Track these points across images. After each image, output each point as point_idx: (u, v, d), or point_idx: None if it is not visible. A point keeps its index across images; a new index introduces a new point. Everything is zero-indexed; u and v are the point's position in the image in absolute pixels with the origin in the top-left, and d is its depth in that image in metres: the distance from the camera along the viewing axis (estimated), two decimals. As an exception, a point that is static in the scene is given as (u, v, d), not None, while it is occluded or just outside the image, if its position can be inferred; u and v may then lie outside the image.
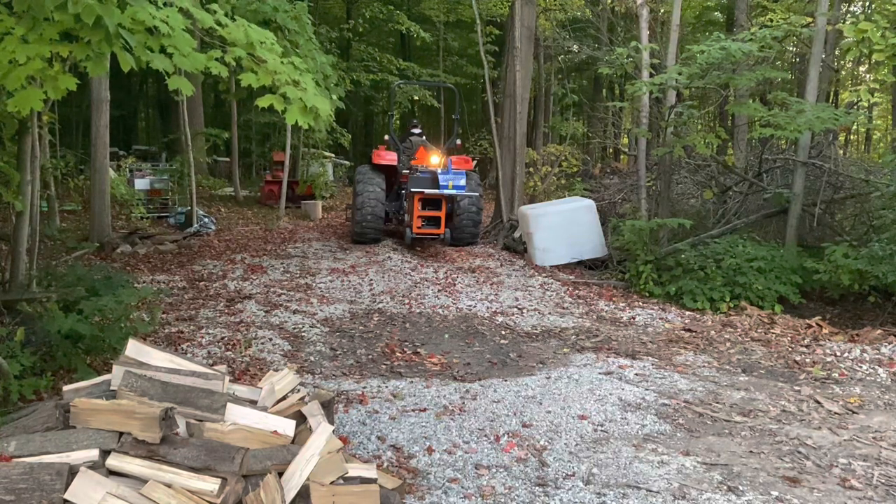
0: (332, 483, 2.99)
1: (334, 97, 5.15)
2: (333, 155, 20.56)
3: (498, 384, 5.43)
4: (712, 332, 7.26)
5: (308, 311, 7.54)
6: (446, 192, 10.43)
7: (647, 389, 5.39)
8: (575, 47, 20.33)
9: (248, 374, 5.42)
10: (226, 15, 3.41)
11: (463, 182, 10.46)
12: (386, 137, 12.39)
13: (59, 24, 2.91)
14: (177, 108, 14.98)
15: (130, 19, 2.97)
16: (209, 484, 2.67)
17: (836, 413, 4.98)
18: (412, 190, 10.55)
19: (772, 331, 7.30)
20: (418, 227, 10.74)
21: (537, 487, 3.74)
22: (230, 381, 3.55)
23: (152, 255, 10.27)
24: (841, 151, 17.96)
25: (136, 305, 6.17)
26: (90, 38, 2.89)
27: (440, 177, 10.42)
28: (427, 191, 10.48)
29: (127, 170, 14.43)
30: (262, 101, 3.41)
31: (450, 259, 10.64)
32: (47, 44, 2.98)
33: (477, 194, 11.23)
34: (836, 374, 5.93)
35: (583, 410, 4.86)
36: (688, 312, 8.17)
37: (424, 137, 12.95)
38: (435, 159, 11.51)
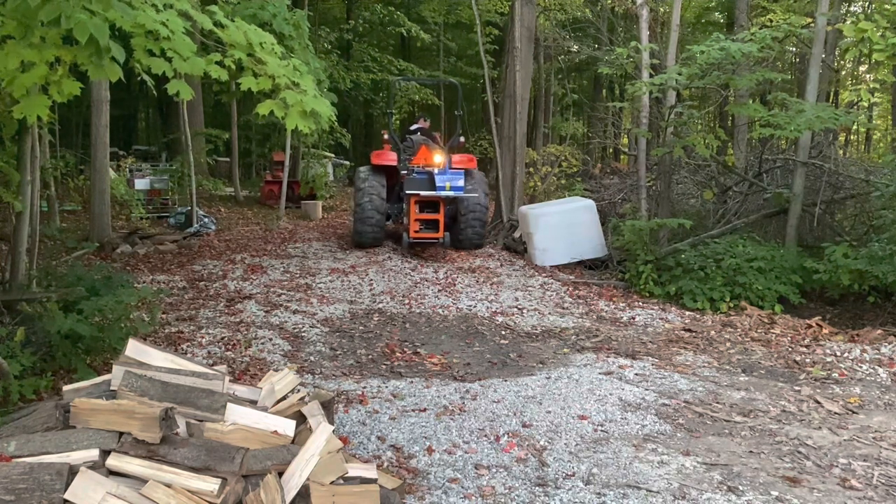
0: (332, 483, 2.99)
1: (327, 102, 5.17)
2: (333, 155, 20.57)
3: (498, 384, 5.43)
4: (712, 332, 7.26)
5: (308, 311, 7.54)
6: (443, 193, 9.97)
7: (647, 389, 5.39)
8: (575, 47, 20.35)
9: (248, 374, 5.42)
10: (225, 16, 3.41)
11: (461, 182, 10.03)
12: (385, 136, 11.92)
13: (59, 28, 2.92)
14: (177, 109, 14.99)
15: (130, 22, 2.97)
16: (209, 484, 2.67)
17: (836, 413, 4.98)
18: (407, 192, 10.17)
19: (772, 331, 7.29)
20: (415, 231, 10.26)
21: (537, 487, 3.74)
22: (230, 381, 3.55)
23: (152, 255, 10.27)
24: (841, 151, 17.96)
25: (136, 305, 6.17)
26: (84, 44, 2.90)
27: (437, 177, 10.00)
28: (423, 192, 10.04)
29: (127, 170, 14.42)
30: (263, 108, 3.42)
31: (450, 259, 10.63)
32: (50, 48, 2.99)
33: (477, 195, 10.66)
34: (836, 374, 5.93)
35: (583, 410, 4.87)
36: (688, 312, 8.17)
37: (433, 132, 12.34)
38: (438, 158, 10.90)
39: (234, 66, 3.38)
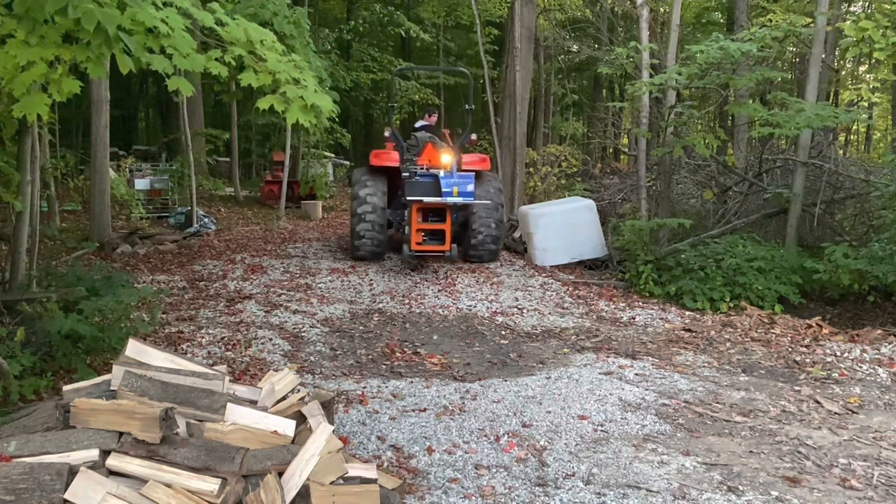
0: (332, 483, 2.99)
1: (328, 97, 5.18)
2: (333, 155, 20.57)
3: (498, 384, 5.43)
4: (712, 332, 7.26)
5: (308, 311, 7.54)
6: (450, 200, 8.79)
7: (647, 389, 5.39)
8: (575, 47, 20.36)
9: (248, 374, 5.42)
10: (226, 14, 3.41)
11: (471, 188, 8.83)
12: (386, 134, 10.61)
13: (60, 26, 2.92)
14: (177, 109, 14.98)
15: (130, 20, 2.97)
16: (209, 484, 2.67)
17: (836, 413, 4.98)
18: (408, 199, 9.00)
19: (772, 331, 7.29)
20: (417, 243, 9.10)
21: (537, 487, 3.74)
22: (230, 381, 3.55)
23: (152, 255, 10.27)
24: (841, 151, 17.97)
25: (136, 305, 6.17)
26: (90, 40, 2.89)
27: (443, 181, 8.84)
28: (426, 199, 8.88)
29: (127, 170, 14.42)
30: (263, 103, 3.41)
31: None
32: (50, 47, 2.98)
33: (490, 201, 9.55)
34: (836, 374, 5.93)
35: (583, 410, 4.87)
36: (688, 312, 8.16)
37: (442, 129, 11.35)
38: (445, 158, 9.50)
39: (234, 63, 3.37)
